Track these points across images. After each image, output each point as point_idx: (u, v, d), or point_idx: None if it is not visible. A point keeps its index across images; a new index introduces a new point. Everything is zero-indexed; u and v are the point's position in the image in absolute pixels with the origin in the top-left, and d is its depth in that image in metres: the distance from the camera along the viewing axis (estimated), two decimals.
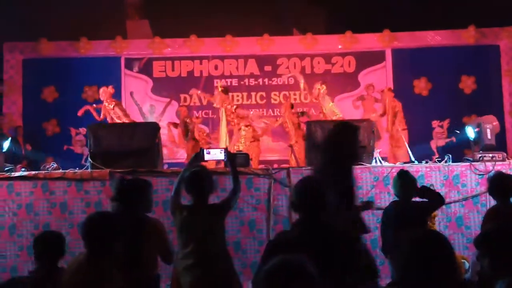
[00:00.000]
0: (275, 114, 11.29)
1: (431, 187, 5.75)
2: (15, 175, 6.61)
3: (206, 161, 4.66)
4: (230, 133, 9.65)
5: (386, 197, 6.26)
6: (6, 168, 6.84)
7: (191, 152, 8.94)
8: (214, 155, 4.57)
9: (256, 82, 11.47)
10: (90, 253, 2.99)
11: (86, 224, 3.05)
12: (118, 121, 9.17)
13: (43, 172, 6.75)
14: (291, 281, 1.75)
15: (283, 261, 1.84)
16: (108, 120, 9.39)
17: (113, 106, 9.35)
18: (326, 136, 4.36)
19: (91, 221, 3.07)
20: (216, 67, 11.47)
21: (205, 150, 4.55)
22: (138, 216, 3.77)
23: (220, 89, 9.66)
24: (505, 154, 6.95)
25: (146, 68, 11.50)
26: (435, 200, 4.68)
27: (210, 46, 11.40)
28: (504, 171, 6.30)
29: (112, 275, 2.95)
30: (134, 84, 11.47)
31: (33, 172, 6.73)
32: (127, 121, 9.21)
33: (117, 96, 10.97)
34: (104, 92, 9.51)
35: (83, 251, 3.06)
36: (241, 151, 8.34)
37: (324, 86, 9.48)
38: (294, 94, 11.34)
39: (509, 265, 2.57)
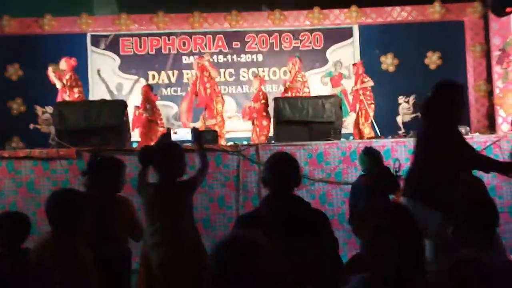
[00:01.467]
0: (244, 91, 11.30)
1: (397, 162, 5.86)
2: None
3: (172, 142, 4.65)
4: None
5: (353, 172, 6.37)
6: None
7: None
8: (181, 135, 4.58)
9: (224, 59, 11.41)
10: (55, 230, 2.99)
11: (50, 200, 3.03)
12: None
13: (8, 151, 6.65)
14: (241, 256, 1.74)
15: (235, 235, 1.83)
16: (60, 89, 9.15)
17: (69, 76, 9.09)
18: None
19: (54, 197, 3.05)
20: (184, 44, 11.36)
21: (172, 131, 4.54)
22: (108, 194, 3.76)
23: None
24: (468, 128, 7.12)
25: (112, 45, 11.32)
26: (391, 184, 4.82)
27: (177, 22, 11.27)
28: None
29: (78, 253, 2.95)
30: (101, 62, 11.29)
31: None
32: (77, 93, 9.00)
33: (83, 73, 10.80)
34: (66, 62, 9.24)
35: (49, 230, 3.04)
36: (209, 128, 8.34)
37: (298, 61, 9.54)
38: (263, 71, 11.33)
39: None
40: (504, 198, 6.43)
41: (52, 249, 2.89)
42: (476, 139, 6.70)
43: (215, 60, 11.31)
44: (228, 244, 1.78)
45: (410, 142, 6.65)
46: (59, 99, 8.95)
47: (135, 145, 8.33)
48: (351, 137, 9.52)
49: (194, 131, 4.55)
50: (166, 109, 11.09)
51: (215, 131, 7.32)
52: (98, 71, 11.24)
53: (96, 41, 11.30)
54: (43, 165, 6.42)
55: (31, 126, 10.67)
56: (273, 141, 7.57)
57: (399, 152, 6.55)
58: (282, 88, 10.40)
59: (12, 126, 10.67)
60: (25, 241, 3.25)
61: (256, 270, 1.74)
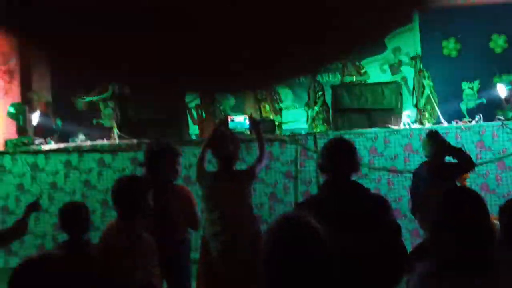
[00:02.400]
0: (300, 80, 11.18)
1: (462, 148, 5.64)
2: (47, 148, 6.72)
3: (230, 129, 4.63)
4: None
5: (415, 160, 6.18)
6: (36, 142, 6.95)
7: None
8: (238, 123, 4.54)
9: None
10: (120, 216, 3.04)
11: (115, 186, 3.08)
12: None
13: (73, 144, 6.86)
14: (293, 237, 1.69)
15: (286, 217, 1.78)
16: None
17: None
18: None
19: (119, 183, 3.10)
20: None
21: (229, 118, 4.51)
22: (166, 181, 3.79)
23: None
24: None
25: None
26: (466, 162, 4.58)
27: None
28: None
29: (143, 238, 3.00)
30: None
31: (63, 145, 6.83)
32: None
33: None
34: None
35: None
36: (268, 117, 8.31)
37: None
38: None
39: None
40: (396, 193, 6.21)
41: (117, 235, 2.95)
42: None
43: None
44: (279, 225, 1.73)
45: (475, 129, 6.39)
46: None
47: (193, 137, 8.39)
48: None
49: (252, 119, 4.51)
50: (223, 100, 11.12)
51: (273, 120, 7.27)
52: None
53: None
54: (105, 158, 6.58)
55: (94, 121, 10.94)
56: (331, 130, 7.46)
57: (464, 138, 6.30)
58: (339, 77, 10.22)
59: (77, 121, 10.98)
60: (88, 231, 3.29)
61: (307, 252, 1.68)
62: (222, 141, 3.93)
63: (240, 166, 4.11)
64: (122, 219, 3.03)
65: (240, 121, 4.48)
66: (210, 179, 3.90)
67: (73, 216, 3.19)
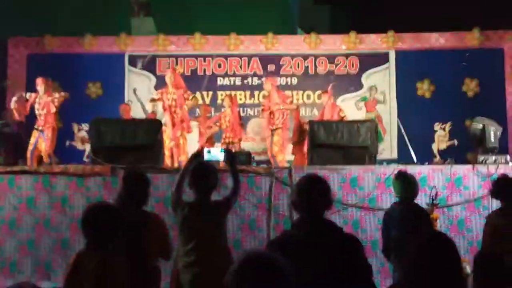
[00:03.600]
0: None
1: (433, 189, 5.74)
2: (16, 169, 6.61)
3: (206, 161, 4.62)
4: None
5: (388, 198, 6.24)
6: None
7: None
8: (214, 154, 4.53)
9: (259, 81, 11.45)
10: (90, 245, 2.99)
11: (86, 214, 3.03)
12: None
13: (44, 166, 6.76)
14: (261, 276, 1.65)
15: (250, 254, 1.74)
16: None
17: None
18: None
19: (91, 211, 3.05)
20: (219, 66, 11.45)
21: (205, 149, 4.51)
22: (140, 209, 3.77)
23: None
24: (508, 157, 6.94)
25: (149, 65, 11.49)
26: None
27: (214, 44, 11.40)
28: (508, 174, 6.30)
29: (111, 267, 2.94)
30: (138, 81, 11.46)
31: (34, 167, 6.73)
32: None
33: (120, 93, 11.02)
34: (44, 83, 8.51)
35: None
36: (243, 149, 8.33)
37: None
38: (297, 94, 11.32)
39: None
40: (368, 231, 6.27)
41: (86, 263, 2.89)
42: None
43: (249, 83, 11.38)
44: (243, 262, 1.71)
45: (447, 170, 6.51)
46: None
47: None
48: (385, 163, 9.38)
49: (228, 151, 4.52)
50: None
51: (249, 152, 7.30)
52: (134, 90, 11.40)
53: (134, 61, 11.49)
54: (77, 181, 6.49)
55: (67, 143, 10.85)
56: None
57: (436, 179, 6.41)
58: (316, 112, 10.36)
59: None
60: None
61: None
62: (202, 172, 3.93)
63: (213, 196, 4.10)
64: (92, 248, 2.97)
65: (216, 152, 4.48)
66: (186, 209, 3.87)
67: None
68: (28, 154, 8.29)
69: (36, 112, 8.41)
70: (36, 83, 8.56)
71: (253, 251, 1.77)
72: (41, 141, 8.36)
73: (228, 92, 10.76)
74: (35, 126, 8.40)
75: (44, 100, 8.40)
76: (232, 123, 9.22)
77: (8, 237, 6.38)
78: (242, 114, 10.18)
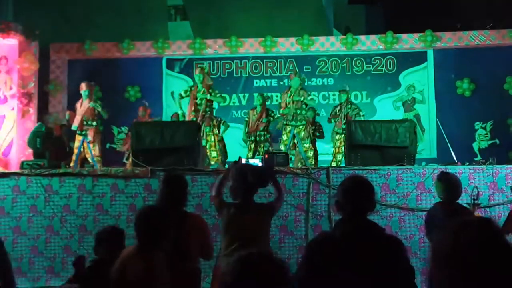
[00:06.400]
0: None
1: (475, 189, 5.63)
2: (60, 171, 6.79)
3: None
4: None
5: (427, 198, 6.18)
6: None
7: None
8: (251, 163, 4.56)
9: None
10: (141, 245, 3.06)
11: (140, 217, 3.12)
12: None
13: (87, 169, 6.92)
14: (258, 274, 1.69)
15: (250, 254, 1.80)
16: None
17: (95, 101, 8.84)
18: None
19: (145, 214, 3.14)
20: (255, 68, 11.52)
21: (243, 159, 4.56)
22: (182, 210, 3.83)
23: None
24: None
25: (186, 68, 11.64)
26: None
27: (250, 46, 11.47)
28: None
29: (162, 269, 3.01)
30: (175, 84, 11.62)
31: (78, 169, 6.90)
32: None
33: (158, 96, 11.21)
34: (88, 88, 8.77)
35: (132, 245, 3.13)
36: (281, 150, 8.34)
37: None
38: (334, 95, 11.27)
39: None
40: (407, 231, 6.12)
41: (137, 263, 2.96)
42: None
43: (285, 83, 11.40)
44: (241, 262, 1.75)
45: (488, 169, 6.39)
46: None
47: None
48: (424, 162, 9.26)
49: (267, 163, 4.55)
50: (237, 131, 11.22)
51: (286, 154, 7.30)
52: (172, 93, 11.56)
53: (171, 64, 11.66)
54: (119, 183, 6.63)
55: (108, 145, 11.09)
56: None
57: (477, 179, 6.30)
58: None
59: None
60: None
61: None
62: (243, 173, 3.96)
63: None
64: (142, 248, 3.05)
65: (254, 163, 4.54)
66: (232, 210, 3.91)
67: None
68: (74, 157, 8.57)
69: (79, 116, 8.65)
70: (80, 87, 8.81)
71: (251, 251, 1.79)
72: (85, 144, 8.61)
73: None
74: (78, 131, 8.65)
75: (87, 105, 8.63)
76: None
77: (53, 237, 6.55)
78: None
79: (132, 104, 11.35)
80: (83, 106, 8.67)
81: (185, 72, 11.64)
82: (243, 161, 4.40)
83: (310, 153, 8.87)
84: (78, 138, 8.65)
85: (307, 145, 8.83)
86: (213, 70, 11.62)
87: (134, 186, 6.60)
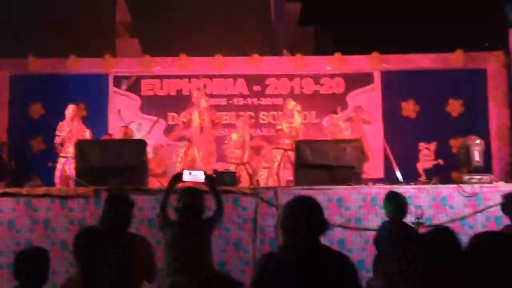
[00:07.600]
0: (263, 134, 11.29)
1: (419, 209, 5.72)
2: None
3: (185, 182, 4.60)
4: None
5: (374, 218, 6.21)
6: None
7: None
8: (194, 176, 4.56)
9: (244, 102, 11.45)
10: (82, 268, 2.91)
11: (77, 239, 2.97)
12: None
13: (26, 188, 6.64)
14: None
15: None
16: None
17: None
18: None
19: (82, 236, 3.00)
20: (204, 86, 11.45)
21: (185, 171, 4.56)
22: (124, 232, 3.71)
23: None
24: (492, 176, 6.96)
25: (134, 86, 11.45)
26: None
27: (199, 65, 11.41)
28: (490, 193, 6.33)
29: None
30: (122, 102, 11.40)
31: (16, 189, 6.61)
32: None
33: (104, 114, 10.95)
34: (74, 110, 9.06)
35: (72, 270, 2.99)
36: (228, 169, 8.27)
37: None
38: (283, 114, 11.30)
39: None
40: (353, 251, 6.15)
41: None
42: (502, 188, 6.53)
43: (234, 103, 11.38)
44: None
45: (432, 189, 6.51)
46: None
47: None
48: (370, 182, 9.36)
49: (207, 175, 4.56)
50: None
51: (234, 173, 7.24)
52: (119, 111, 11.33)
53: (118, 82, 11.44)
54: (60, 203, 6.38)
55: (49, 164, 10.69)
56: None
57: (421, 198, 6.40)
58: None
59: (32, 164, 10.73)
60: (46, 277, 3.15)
61: None
62: (186, 191, 3.93)
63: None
64: (84, 270, 2.92)
65: (196, 174, 4.50)
66: (176, 228, 3.86)
67: (33, 262, 3.06)
68: (56, 180, 8.67)
69: (64, 138, 8.82)
70: (67, 108, 8.97)
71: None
72: (66, 168, 8.69)
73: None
74: (61, 154, 8.80)
75: (76, 128, 8.78)
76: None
77: None
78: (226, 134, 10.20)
79: None
80: (72, 129, 8.76)
81: (132, 89, 11.44)
82: (186, 173, 4.37)
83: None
84: (60, 160, 8.83)
85: None
86: (161, 88, 11.48)
87: (76, 207, 6.37)
